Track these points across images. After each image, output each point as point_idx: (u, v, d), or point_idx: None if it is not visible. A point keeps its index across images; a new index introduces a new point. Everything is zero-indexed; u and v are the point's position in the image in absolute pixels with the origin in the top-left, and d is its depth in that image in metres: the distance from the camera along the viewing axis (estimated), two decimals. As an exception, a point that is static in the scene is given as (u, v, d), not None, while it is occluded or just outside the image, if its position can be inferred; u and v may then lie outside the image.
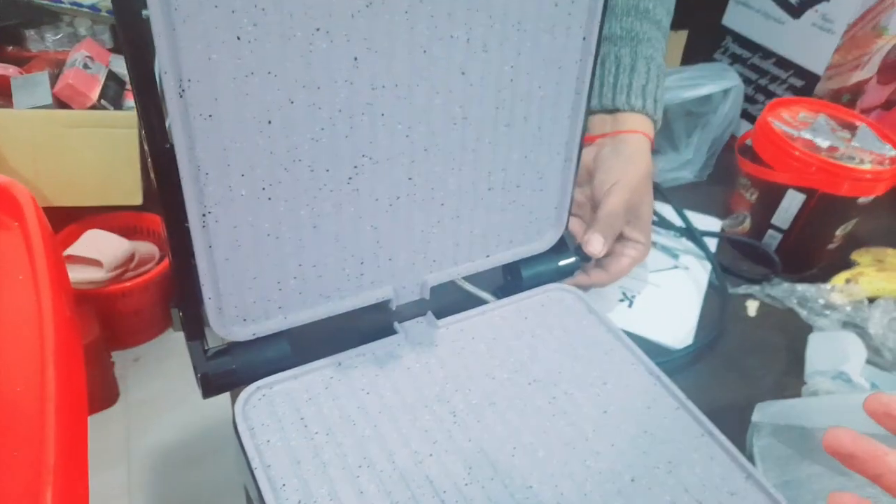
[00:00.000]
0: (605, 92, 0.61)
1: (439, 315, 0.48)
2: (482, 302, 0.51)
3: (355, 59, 0.36)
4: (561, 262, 0.52)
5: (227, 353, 0.42)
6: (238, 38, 0.33)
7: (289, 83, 0.35)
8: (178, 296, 0.42)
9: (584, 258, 0.53)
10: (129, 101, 1.25)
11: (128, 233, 1.25)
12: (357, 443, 0.40)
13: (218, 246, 0.38)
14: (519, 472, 0.40)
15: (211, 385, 0.42)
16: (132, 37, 0.32)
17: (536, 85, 0.44)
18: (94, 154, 1.19)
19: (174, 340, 1.34)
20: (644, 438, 0.42)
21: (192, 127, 0.34)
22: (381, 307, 0.48)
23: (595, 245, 0.53)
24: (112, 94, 1.27)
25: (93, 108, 1.21)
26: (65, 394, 0.36)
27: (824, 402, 0.50)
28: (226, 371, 0.42)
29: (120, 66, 1.37)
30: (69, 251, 1.17)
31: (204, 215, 0.37)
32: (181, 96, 0.33)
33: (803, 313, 0.62)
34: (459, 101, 0.41)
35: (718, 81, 0.76)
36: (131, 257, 1.22)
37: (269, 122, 0.36)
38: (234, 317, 0.42)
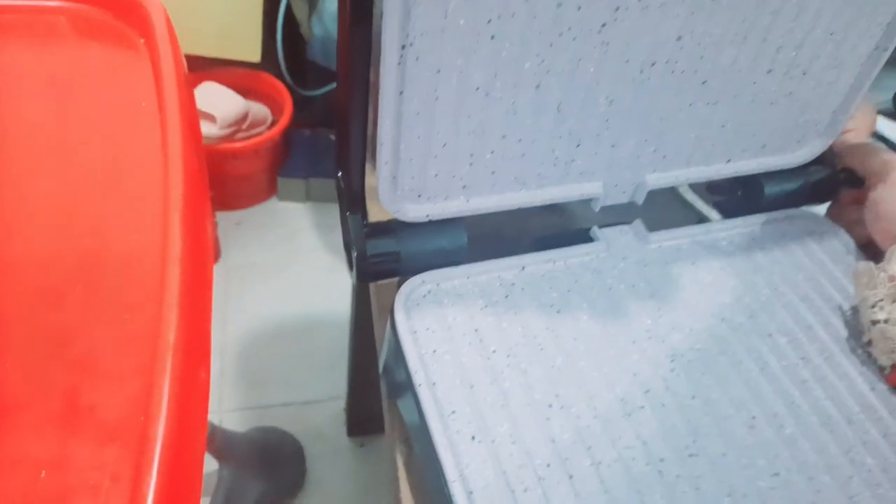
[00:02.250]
0: None
1: (649, 229, 0.37)
2: (697, 221, 0.40)
3: None
4: (814, 178, 0.40)
5: (391, 232, 0.33)
6: None
7: None
8: (341, 156, 0.32)
9: (854, 183, 0.40)
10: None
11: (242, 92, 1.17)
12: (546, 374, 0.31)
13: (412, 95, 0.28)
14: (761, 452, 0.29)
15: (368, 268, 0.33)
16: None
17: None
18: (217, 1, 1.10)
19: (278, 210, 1.29)
20: (932, 436, 0.31)
21: None
22: (581, 207, 0.37)
23: None
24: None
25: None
26: (190, 257, 0.28)
27: None
28: (388, 254, 0.33)
29: None
30: None
31: (403, 46, 0.26)
32: None
33: None
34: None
35: None
36: (245, 117, 1.15)
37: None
38: (408, 190, 0.32)
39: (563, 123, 0.32)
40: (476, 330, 0.32)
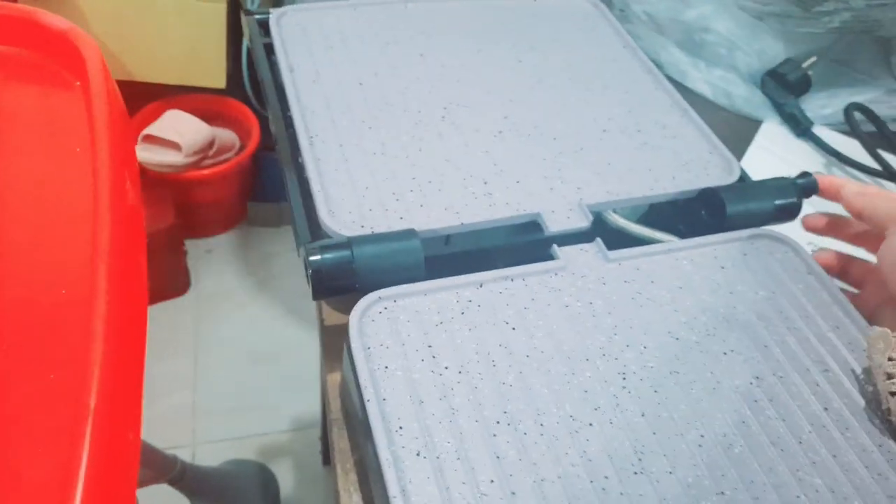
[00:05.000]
0: None
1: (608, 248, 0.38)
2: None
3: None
4: (778, 197, 0.40)
5: (346, 246, 0.34)
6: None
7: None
8: (294, 196, 0.38)
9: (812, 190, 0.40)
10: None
11: (209, 118, 1.17)
12: (496, 391, 0.31)
13: (326, 159, 0.39)
14: (707, 471, 0.29)
15: (323, 283, 0.33)
16: None
17: None
18: (180, 28, 1.10)
19: (249, 234, 1.29)
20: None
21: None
22: (535, 230, 0.38)
23: None
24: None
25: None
26: (118, 297, 0.28)
27: None
28: (343, 267, 0.33)
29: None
30: (147, 131, 1.10)
31: (311, 137, 0.40)
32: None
33: None
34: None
35: None
36: (211, 143, 1.14)
37: (360, 84, 0.43)
38: (349, 221, 0.35)
39: (458, 169, 0.39)
40: (429, 346, 0.32)
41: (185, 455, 0.86)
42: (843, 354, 0.34)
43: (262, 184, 1.26)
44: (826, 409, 0.32)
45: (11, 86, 0.40)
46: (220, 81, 1.16)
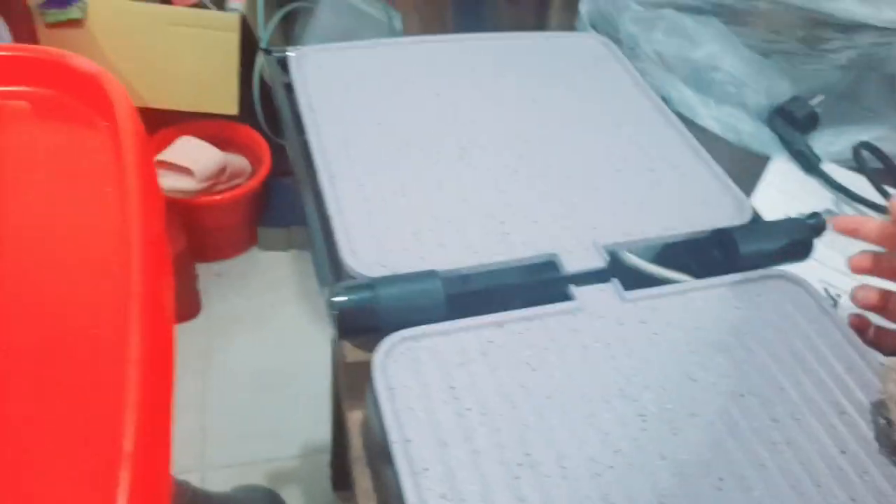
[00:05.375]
0: None
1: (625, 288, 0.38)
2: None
3: None
4: (790, 236, 0.41)
5: (369, 288, 0.34)
6: None
7: None
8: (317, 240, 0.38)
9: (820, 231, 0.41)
10: (232, 1, 1.18)
11: (221, 144, 1.18)
12: (518, 433, 0.31)
13: (347, 199, 0.40)
14: (728, 514, 0.30)
15: (347, 323, 0.34)
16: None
17: None
18: (193, 56, 1.12)
19: (258, 259, 1.30)
20: (900, 500, 0.31)
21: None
22: (552, 270, 0.39)
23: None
24: (216, -6, 1.20)
25: (195, 6, 1.15)
26: (150, 338, 0.29)
27: None
28: (367, 308, 0.34)
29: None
30: (160, 156, 1.11)
31: (332, 177, 0.41)
32: None
33: None
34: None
35: None
36: (223, 169, 1.15)
37: (379, 124, 0.45)
38: (372, 262, 0.36)
39: (476, 209, 0.40)
40: (451, 387, 0.33)
41: (193, 479, 0.86)
42: (858, 396, 0.35)
43: (272, 209, 1.27)
44: (843, 451, 0.32)
45: (41, 125, 0.42)
46: (232, 108, 1.17)
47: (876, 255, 0.40)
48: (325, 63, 0.49)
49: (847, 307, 0.41)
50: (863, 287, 0.40)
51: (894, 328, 0.40)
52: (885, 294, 0.40)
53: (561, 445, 0.31)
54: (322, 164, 0.41)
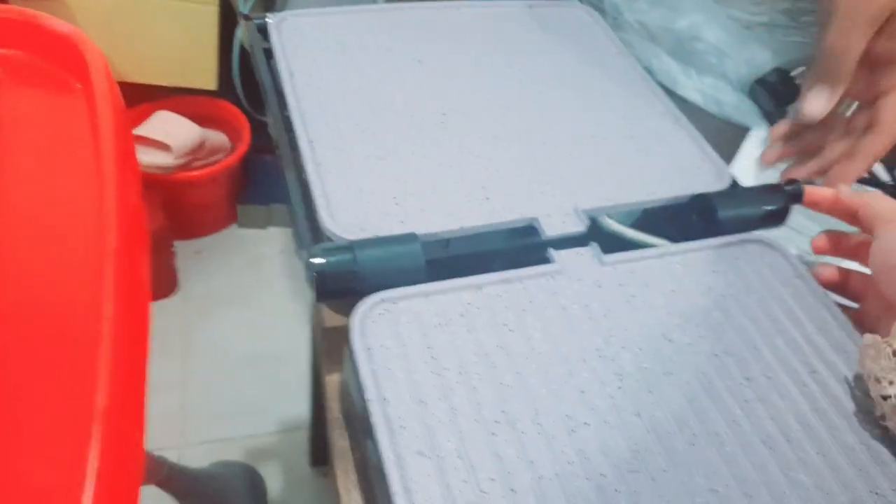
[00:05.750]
0: None
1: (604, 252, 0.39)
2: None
3: None
4: (768, 202, 0.41)
5: (348, 250, 0.34)
6: None
7: None
8: (296, 204, 0.38)
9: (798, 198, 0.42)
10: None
11: (199, 120, 1.16)
12: (496, 391, 0.32)
13: (325, 163, 0.39)
14: (701, 469, 0.30)
15: (326, 286, 0.34)
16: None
17: None
18: (171, 30, 1.10)
19: (238, 236, 1.28)
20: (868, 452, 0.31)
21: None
22: (532, 234, 0.39)
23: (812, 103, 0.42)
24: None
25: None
26: (124, 298, 0.29)
27: None
28: (346, 270, 0.34)
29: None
30: (137, 131, 1.09)
31: (312, 142, 0.40)
32: None
33: None
34: None
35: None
36: (201, 145, 1.13)
37: (360, 89, 0.44)
38: (351, 225, 0.36)
39: (456, 175, 0.40)
40: (430, 347, 0.33)
41: (171, 456, 0.85)
42: (830, 356, 0.35)
43: (252, 186, 1.26)
44: (814, 409, 0.33)
45: (13, 88, 0.41)
46: (211, 83, 1.15)
47: (834, 234, 0.41)
48: (305, 28, 0.48)
49: None
50: (823, 266, 0.41)
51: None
52: (845, 273, 0.41)
53: (538, 403, 0.31)
54: (302, 129, 0.41)
